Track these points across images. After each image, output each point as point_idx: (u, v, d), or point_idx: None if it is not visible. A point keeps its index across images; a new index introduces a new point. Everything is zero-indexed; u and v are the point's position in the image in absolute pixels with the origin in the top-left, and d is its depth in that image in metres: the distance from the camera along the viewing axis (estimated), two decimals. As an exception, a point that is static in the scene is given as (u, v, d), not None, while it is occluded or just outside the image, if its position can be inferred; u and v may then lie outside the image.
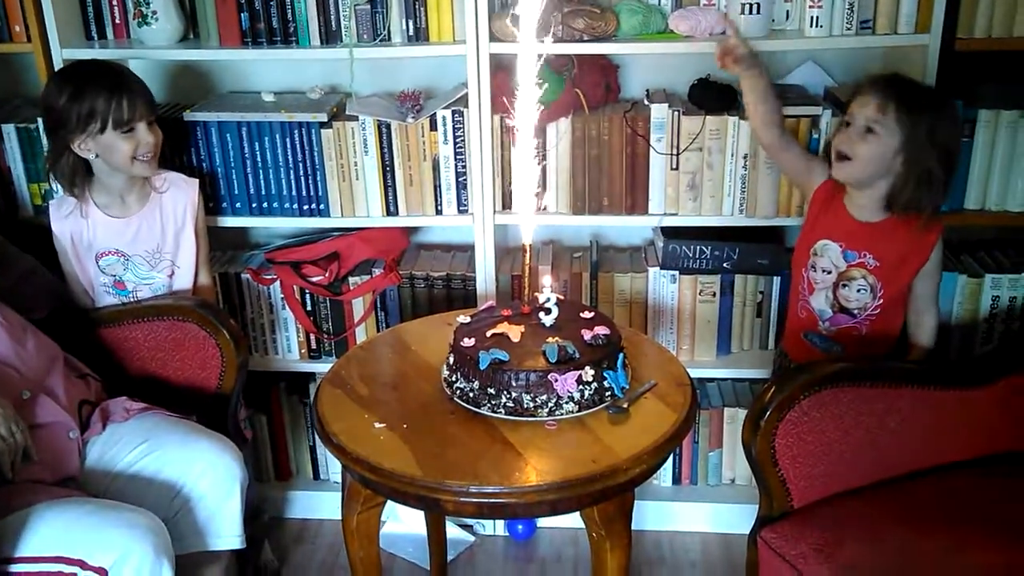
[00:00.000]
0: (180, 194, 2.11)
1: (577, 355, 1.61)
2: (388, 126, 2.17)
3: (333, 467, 2.53)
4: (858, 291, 1.91)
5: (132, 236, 2.09)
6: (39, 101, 2.03)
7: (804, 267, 1.99)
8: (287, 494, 2.54)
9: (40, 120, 2.21)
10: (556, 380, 1.58)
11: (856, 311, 1.93)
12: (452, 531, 2.37)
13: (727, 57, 1.93)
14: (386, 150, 2.19)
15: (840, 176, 1.89)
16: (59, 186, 2.07)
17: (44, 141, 2.14)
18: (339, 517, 1.76)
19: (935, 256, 1.88)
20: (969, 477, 1.79)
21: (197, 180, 2.14)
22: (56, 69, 2.15)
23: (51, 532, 1.55)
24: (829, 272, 1.94)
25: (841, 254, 1.92)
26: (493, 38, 2.07)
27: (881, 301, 1.90)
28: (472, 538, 2.43)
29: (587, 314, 1.75)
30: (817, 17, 2.04)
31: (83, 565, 1.51)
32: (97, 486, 1.78)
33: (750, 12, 2.03)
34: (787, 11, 2.12)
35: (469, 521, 2.45)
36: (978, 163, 2.13)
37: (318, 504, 2.52)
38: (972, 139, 2.11)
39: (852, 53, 2.24)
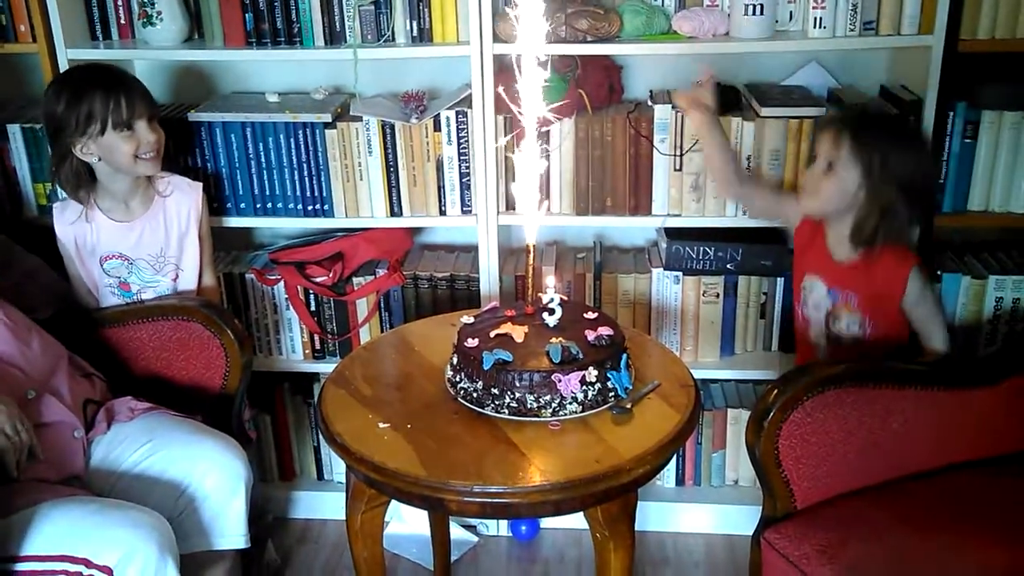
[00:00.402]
0: (184, 198, 2.12)
1: (581, 356, 1.61)
2: (392, 127, 2.17)
3: (337, 467, 2.54)
4: (848, 327, 1.92)
5: (136, 240, 2.09)
6: (40, 110, 2.04)
7: (798, 302, 2.01)
8: (291, 494, 2.54)
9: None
10: (560, 380, 1.58)
11: (852, 342, 1.93)
12: (456, 531, 2.37)
13: (693, 106, 1.97)
14: (390, 151, 2.19)
15: (806, 210, 1.93)
16: (64, 192, 2.07)
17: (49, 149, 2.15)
18: (343, 517, 1.76)
19: (912, 287, 1.85)
20: (973, 478, 1.79)
21: (201, 184, 2.15)
22: (61, 69, 2.16)
23: (56, 531, 1.55)
24: (819, 308, 1.96)
25: (826, 293, 1.94)
26: (497, 39, 2.07)
27: (870, 331, 1.91)
28: (476, 539, 2.43)
29: (591, 315, 1.75)
30: (820, 18, 2.04)
31: (88, 564, 1.52)
32: (102, 485, 1.78)
33: (754, 13, 2.04)
34: (790, 12, 2.12)
35: (473, 521, 2.46)
36: (982, 164, 2.13)
37: (322, 504, 2.52)
38: (976, 140, 2.11)
39: (855, 54, 2.24)
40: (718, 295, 2.28)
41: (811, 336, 2.00)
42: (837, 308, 1.93)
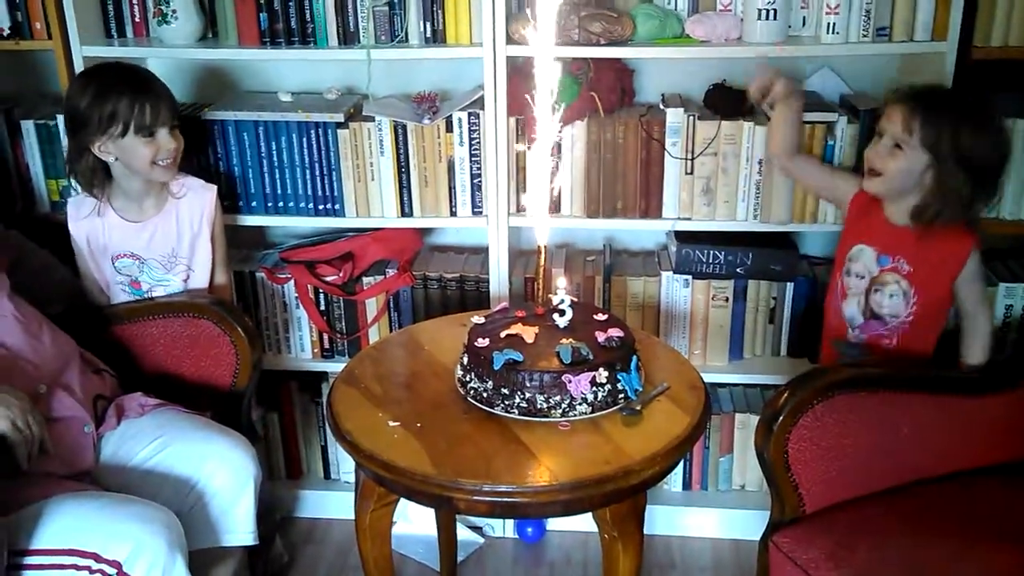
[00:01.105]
0: (197, 200, 2.12)
1: (591, 357, 1.61)
2: (404, 127, 2.18)
3: (344, 467, 2.54)
4: (891, 296, 1.89)
5: (147, 241, 2.10)
6: (62, 100, 2.05)
7: (839, 272, 1.98)
8: (298, 493, 2.54)
9: (60, 118, 2.23)
10: (570, 381, 1.58)
11: (888, 317, 1.91)
12: (462, 532, 2.37)
13: (763, 96, 1.95)
14: (402, 151, 2.20)
15: (870, 189, 1.89)
16: (78, 185, 2.08)
17: (64, 141, 2.16)
18: (350, 517, 1.77)
19: (971, 266, 1.83)
20: (982, 484, 1.79)
21: (215, 186, 2.15)
22: (75, 67, 2.17)
23: (65, 525, 1.56)
24: (863, 277, 1.93)
25: (875, 258, 1.91)
26: (510, 41, 2.08)
27: (914, 308, 1.88)
28: (482, 540, 2.43)
29: (601, 316, 1.75)
30: (834, 24, 2.05)
31: (97, 558, 1.52)
32: (111, 481, 1.79)
33: (767, 18, 2.04)
34: (804, 17, 2.12)
35: (479, 523, 2.46)
36: (993, 172, 2.12)
37: (329, 504, 2.52)
38: (988, 148, 2.11)
39: (868, 60, 2.24)
40: (727, 299, 2.28)
41: (845, 310, 1.97)
42: (884, 274, 1.90)
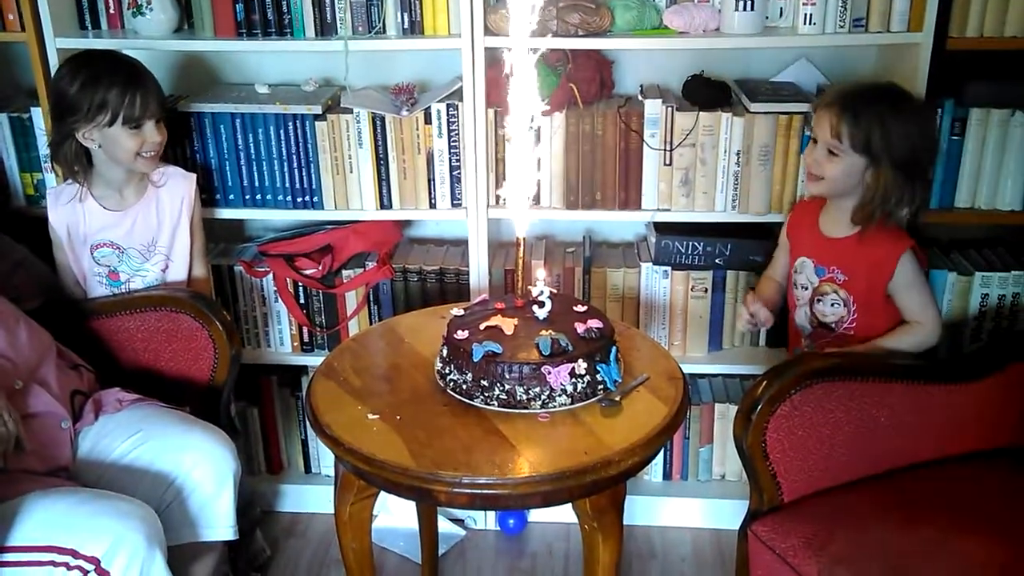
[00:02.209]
0: (177, 188, 2.11)
1: (570, 348, 1.61)
2: (382, 119, 2.17)
3: (324, 461, 2.53)
4: (832, 305, 1.93)
5: (128, 229, 2.08)
6: (36, 93, 2.03)
7: (790, 284, 2.02)
8: (278, 487, 2.53)
9: (34, 111, 2.21)
10: (549, 373, 1.58)
11: (833, 324, 1.94)
12: (443, 525, 2.37)
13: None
14: (380, 143, 2.19)
15: (813, 191, 1.92)
16: (58, 173, 2.06)
17: (42, 125, 2.14)
18: (330, 511, 1.76)
19: (901, 270, 1.84)
20: (959, 472, 1.81)
21: (194, 175, 2.14)
22: (49, 59, 2.14)
23: (42, 521, 1.55)
24: (807, 288, 1.97)
25: (814, 270, 1.95)
26: (488, 32, 2.07)
27: (855, 316, 1.91)
28: (463, 532, 2.43)
29: (580, 308, 1.75)
30: (810, 15, 2.05)
31: (75, 554, 1.51)
32: (89, 476, 1.77)
33: (744, 8, 2.04)
34: (780, 8, 2.13)
35: (460, 515, 2.46)
36: (968, 162, 2.14)
37: (309, 497, 2.52)
38: (963, 137, 2.12)
39: (845, 51, 2.25)
40: (706, 290, 2.29)
41: (796, 319, 2.01)
42: (823, 284, 1.93)
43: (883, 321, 1.90)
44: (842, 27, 2.06)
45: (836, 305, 1.92)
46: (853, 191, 1.85)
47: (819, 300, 1.94)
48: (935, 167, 2.06)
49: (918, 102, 1.87)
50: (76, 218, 2.06)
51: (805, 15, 2.06)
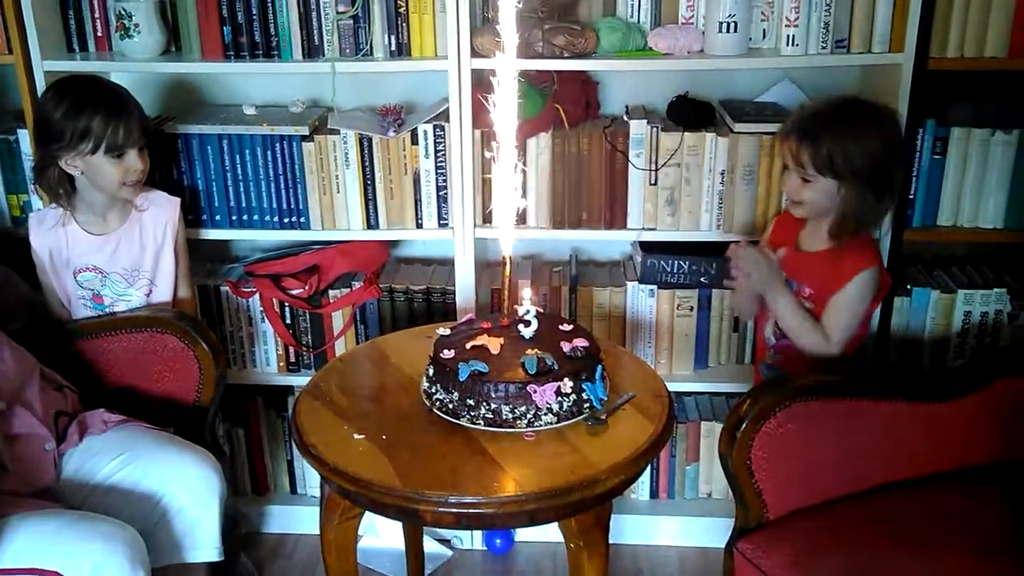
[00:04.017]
0: (161, 213, 2.11)
1: (556, 367, 1.62)
2: (369, 140, 2.18)
3: (310, 482, 2.52)
4: None
5: (111, 254, 2.08)
6: (23, 115, 2.03)
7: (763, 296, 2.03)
8: (264, 508, 2.52)
9: (21, 133, 2.21)
10: (535, 391, 1.59)
11: None
12: (430, 545, 2.36)
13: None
14: (367, 164, 2.20)
15: (799, 215, 1.95)
16: (41, 197, 2.06)
17: (28, 148, 2.14)
18: (316, 532, 1.75)
19: (852, 286, 1.86)
20: (943, 490, 1.81)
21: (178, 199, 2.14)
22: (36, 81, 2.14)
23: (26, 543, 1.54)
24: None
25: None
26: (475, 54, 2.09)
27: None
28: (450, 552, 2.42)
29: (566, 327, 1.76)
30: (793, 36, 2.08)
31: (58, 577, 1.50)
32: (74, 498, 1.76)
33: (728, 31, 2.06)
34: (764, 30, 2.15)
35: (447, 536, 2.45)
36: (951, 180, 2.17)
37: (295, 519, 2.50)
38: (944, 157, 2.15)
39: (827, 72, 2.27)
40: (692, 308, 2.30)
41: (764, 331, 2.03)
42: None
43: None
44: (824, 48, 2.08)
45: None
46: (834, 210, 1.87)
47: None
48: (909, 172, 2.09)
49: (878, 113, 1.88)
50: (59, 242, 2.06)
51: (788, 36, 2.08)
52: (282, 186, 2.22)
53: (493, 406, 1.59)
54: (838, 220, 1.86)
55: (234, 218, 2.26)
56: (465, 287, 2.27)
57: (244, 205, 2.25)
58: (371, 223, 2.25)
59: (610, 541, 1.65)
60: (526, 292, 1.75)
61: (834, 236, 1.88)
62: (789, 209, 1.96)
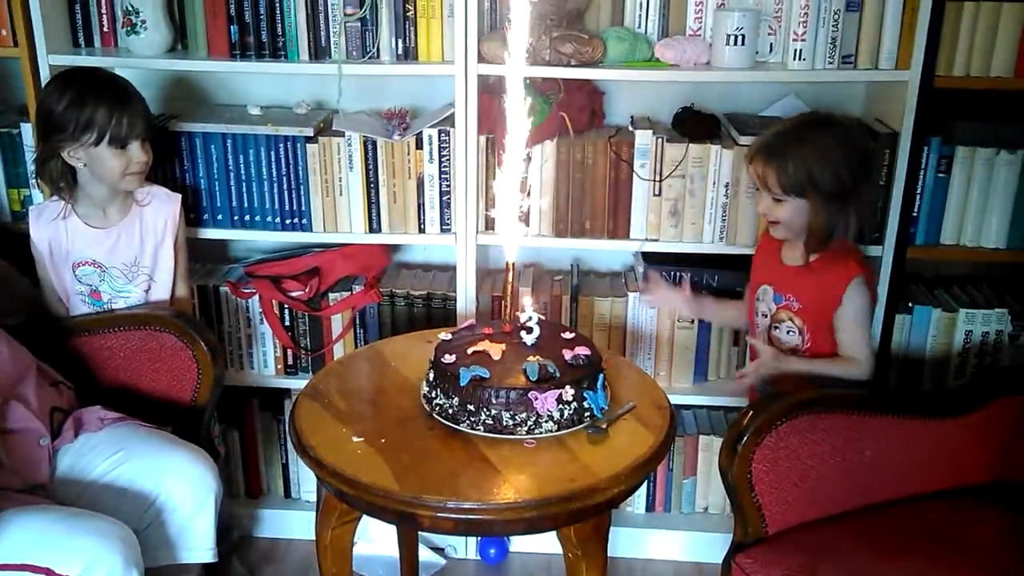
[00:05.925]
0: (162, 208, 2.10)
1: (557, 374, 1.61)
2: (374, 143, 2.17)
3: (305, 486, 2.50)
4: (787, 333, 1.95)
5: (110, 248, 2.07)
6: (26, 109, 2.02)
7: (751, 312, 2.04)
8: (258, 512, 2.50)
9: (24, 127, 2.20)
10: (536, 398, 1.58)
11: (789, 352, 1.95)
12: (424, 554, 2.35)
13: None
14: (371, 167, 2.19)
15: (777, 235, 1.95)
16: (42, 190, 2.05)
17: (31, 142, 2.13)
18: (310, 536, 1.74)
19: (850, 298, 1.86)
20: (943, 506, 1.80)
21: (179, 195, 2.13)
22: (41, 75, 2.14)
23: (18, 539, 1.52)
24: (766, 316, 1.99)
25: (773, 297, 1.97)
26: (482, 59, 2.09)
27: (808, 343, 1.93)
28: (443, 561, 2.41)
29: (568, 335, 1.75)
30: (800, 50, 2.08)
31: (50, 573, 1.49)
32: (69, 495, 1.75)
33: (735, 43, 2.06)
34: (771, 44, 2.15)
35: (441, 544, 2.43)
36: (954, 199, 2.16)
37: (289, 523, 2.48)
38: (949, 175, 2.15)
39: (833, 87, 2.27)
40: (693, 321, 2.29)
41: (754, 344, 2.02)
42: (779, 311, 1.95)
43: (833, 348, 1.92)
44: (831, 63, 2.08)
45: (791, 333, 1.94)
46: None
47: (776, 327, 1.97)
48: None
49: (841, 127, 1.87)
50: (59, 235, 2.05)
51: (795, 51, 2.08)
52: (285, 187, 2.22)
53: (494, 412, 1.58)
54: (808, 235, 1.87)
55: (235, 218, 2.25)
56: (466, 293, 2.26)
57: (246, 205, 2.24)
58: (373, 226, 2.24)
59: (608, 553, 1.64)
60: (527, 300, 1.74)
61: (808, 250, 1.88)
62: (769, 231, 1.97)
